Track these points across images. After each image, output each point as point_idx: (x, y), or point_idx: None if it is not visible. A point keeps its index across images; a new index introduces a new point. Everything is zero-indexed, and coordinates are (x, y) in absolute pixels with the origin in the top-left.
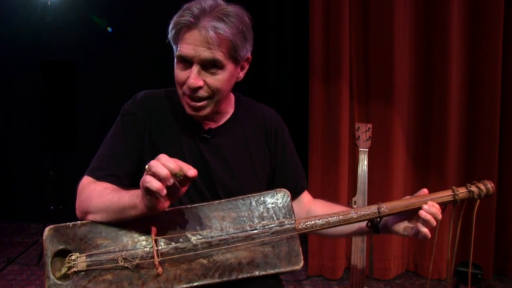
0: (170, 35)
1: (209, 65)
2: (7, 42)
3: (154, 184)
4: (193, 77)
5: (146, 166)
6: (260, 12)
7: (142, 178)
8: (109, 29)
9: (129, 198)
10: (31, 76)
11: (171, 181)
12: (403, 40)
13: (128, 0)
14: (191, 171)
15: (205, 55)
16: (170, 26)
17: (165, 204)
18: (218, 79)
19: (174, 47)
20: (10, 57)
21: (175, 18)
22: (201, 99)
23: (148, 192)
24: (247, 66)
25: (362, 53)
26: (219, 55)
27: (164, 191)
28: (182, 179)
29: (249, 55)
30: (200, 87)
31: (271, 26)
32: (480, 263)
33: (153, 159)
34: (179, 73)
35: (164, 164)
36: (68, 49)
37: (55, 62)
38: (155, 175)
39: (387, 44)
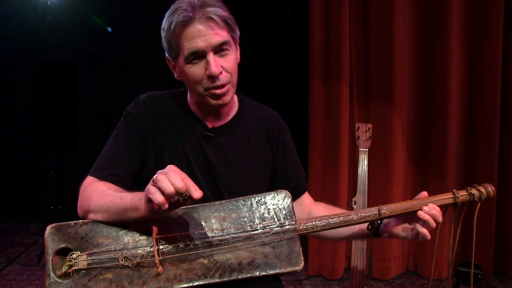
0: (171, 43)
1: (219, 49)
2: (7, 42)
3: (157, 197)
4: (213, 64)
5: (154, 177)
6: (260, 12)
7: (147, 187)
8: (109, 29)
9: (131, 200)
10: (31, 76)
11: (175, 198)
12: (403, 40)
13: (128, 0)
14: (197, 193)
15: (216, 39)
16: (169, 34)
17: (165, 214)
18: (230, 60)
19: (173, 58)
20: (10, 57)
21: (171, 21)
22: (223, 84)
23: (151, 201)
24: (239, 48)
25: (362, 53)
26: (226, 36)
27: (166, 206)
28: (186, 198)
29: (238, 36)
30: (220, 72)
31: (271, 26)
32: (480, 263)
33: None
34: (195, 71)
35: (171, 182)
36: (68, 49)
37: (55, 62)
38: (160, 189)
39: (387, 44)
